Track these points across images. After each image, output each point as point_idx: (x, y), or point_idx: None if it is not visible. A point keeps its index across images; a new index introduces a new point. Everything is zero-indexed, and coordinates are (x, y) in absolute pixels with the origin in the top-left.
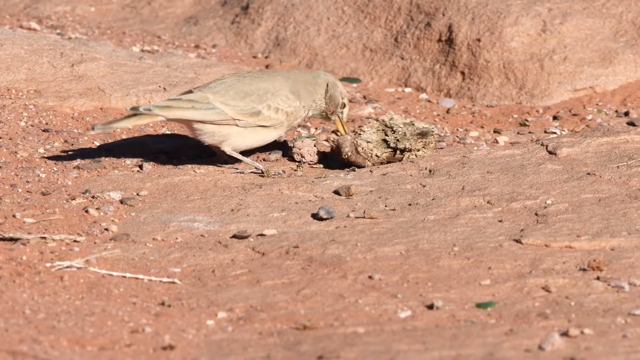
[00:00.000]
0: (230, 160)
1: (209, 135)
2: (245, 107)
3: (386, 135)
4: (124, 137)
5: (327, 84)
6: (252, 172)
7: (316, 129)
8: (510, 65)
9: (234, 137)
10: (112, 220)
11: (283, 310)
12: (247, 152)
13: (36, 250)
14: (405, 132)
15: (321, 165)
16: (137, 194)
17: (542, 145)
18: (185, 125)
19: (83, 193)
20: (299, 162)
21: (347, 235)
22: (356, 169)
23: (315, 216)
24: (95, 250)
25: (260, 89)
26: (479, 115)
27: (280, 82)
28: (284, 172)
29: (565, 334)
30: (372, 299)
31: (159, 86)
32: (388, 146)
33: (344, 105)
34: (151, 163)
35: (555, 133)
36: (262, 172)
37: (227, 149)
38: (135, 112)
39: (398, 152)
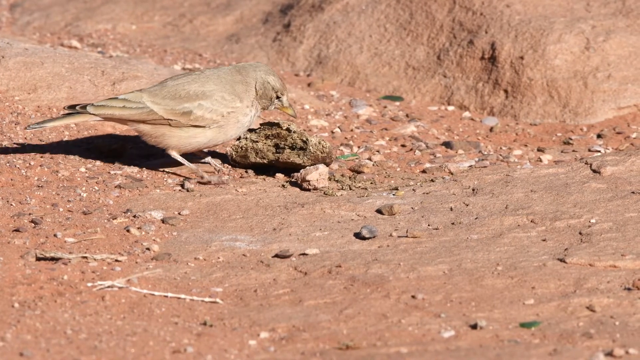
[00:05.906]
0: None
1: (148, 135)
2: (176, 106)
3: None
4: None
5: (256, 85)
6: (198, 182)
7: (359, 147)
8: (554, 83)
9: (169, 137)
10: (154, 240)
11: (325, 330)
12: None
13: (77, 270)
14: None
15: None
16: (179, 213)
17: (586, 163)
18: (125, 126)
19: (124, 212)
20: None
21: (389, 255)
22: (399, 188)
23: (358, 235)
24: (136, 270)
25: (194, 89)
26: (522, 133)
27: (215, 83)
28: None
29: (609, 354)
30: (415, 318)
31: None
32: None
33: (278, 97)
34: (193, 182)
35: (599, 151)
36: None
37: (171, 152)
38: (70, 112)
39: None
